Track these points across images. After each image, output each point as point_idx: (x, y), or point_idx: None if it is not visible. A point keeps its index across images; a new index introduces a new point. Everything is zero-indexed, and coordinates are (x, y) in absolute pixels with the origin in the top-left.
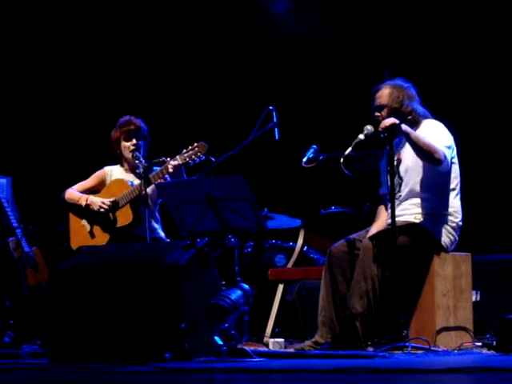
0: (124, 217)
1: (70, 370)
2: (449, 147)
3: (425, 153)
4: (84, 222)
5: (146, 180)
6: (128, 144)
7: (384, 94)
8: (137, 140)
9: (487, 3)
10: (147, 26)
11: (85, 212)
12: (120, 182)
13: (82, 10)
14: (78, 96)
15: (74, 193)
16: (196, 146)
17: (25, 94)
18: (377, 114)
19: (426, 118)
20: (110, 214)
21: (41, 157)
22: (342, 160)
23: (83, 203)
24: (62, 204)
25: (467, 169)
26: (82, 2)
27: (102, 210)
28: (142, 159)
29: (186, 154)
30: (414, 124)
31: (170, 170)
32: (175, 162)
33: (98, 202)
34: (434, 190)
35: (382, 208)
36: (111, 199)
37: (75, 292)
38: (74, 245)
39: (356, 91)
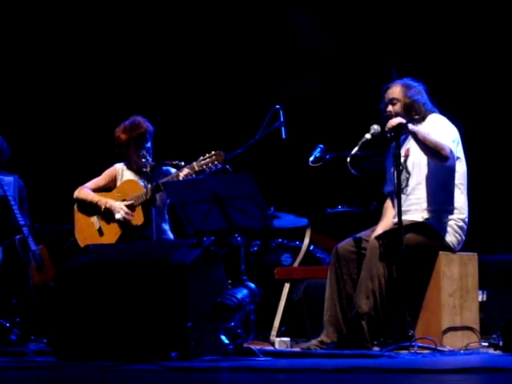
0: (135, 218)
1: (75, 367)
2: (453, 141)
3: (432, 150)
4: (93, 219)
5: (152, 178)
6: (139, 150)
7: (396, 90)
8: (146, 144)
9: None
10: (156, 26)
11: (98, 211)
12: (133, 182)
13: (96, 10)
14: (85, 94)
15: (89, 193)
16: (213, 155)
17: (32, 92)
18: (389, 108)
19: (433, 113)
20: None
21: (47, 155)
22: (348, 159)
23: (102, 207)
24: (73, 201)
25: (475, 169)
26: (94, 2)
27: (121, 219)
28: (149, 158)
29: (202, 162)
30: (422, 119)
31: (181, 178)
32: (190, 171)
33: (118, 209)
34: (440, 184)
35: (388, 206)
36: (131, 213)
37: (81, 290)
38: (81, 241)
39: (363, 90)
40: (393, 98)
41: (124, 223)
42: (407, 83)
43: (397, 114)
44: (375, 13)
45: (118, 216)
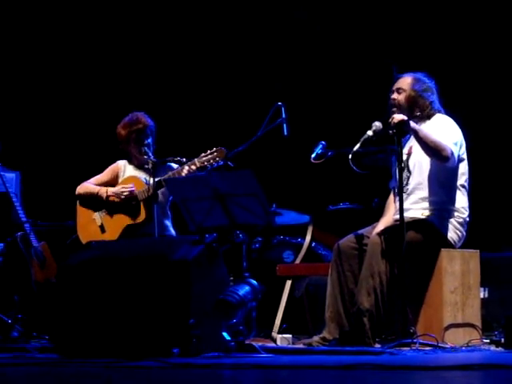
0: (137, 214)
1: (77, 364)
2: (456, 143)
3: (432, 150)
4: (95, 215)
5: (153, 174)
6: (139, 147)
7: (406, 81)
8: (146, 139)
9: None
10: (158, 23)
11: (100, 205)
12: (134, 179)
13: (98, 8)
14: (88, 90)
15: (91, 186)
16: (215, 151)
17: (33, 88)
18: (393, 96)
19: (440, 113)
20: (124, 211)
21: (49, 151)
22: (350, 156)
23: (104, 195)
24: (75, 197)
25: (477, 166)
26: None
27: (123, 194)
28: (150, 154)
29: (204, 158)
30: (427, 117)
31: (183, 174)
32: (192, 167)
33: (118, 188)
34: (441, 184)
35: (390, 202)
36: (130, 187)
37: (84, 286)
38: (83, 237)
39: (364, 87)
40: (400, 88)
41: (124, 220)
42: (418, 77)
43: (399, 104)
44: (377, 11)
45: (122, 194)
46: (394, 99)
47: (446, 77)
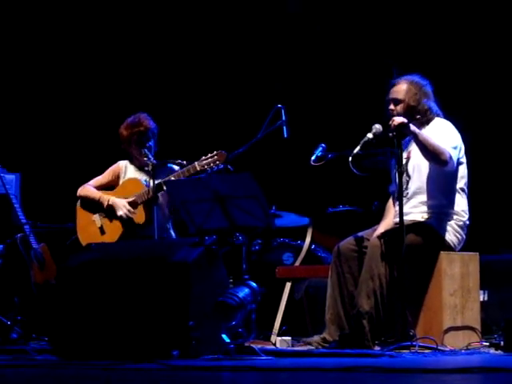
0: (137, 217)
1: (76, 366)
2: (455, 147)
3: (431, 154)
4: (95, 217)
5: (153, 176)
6: (140, 148)
7: (401, 89)
8: (148, 142)
9: (497, 3)
10: (159, 25)
11: (100, 208)
12: (135, 181)
13: (100, 8)
14: (90, 91)
15: (92, 190)
16: (215, 155)
17: (33, 90)
18: (391, 107)
19: (438, 116)
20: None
21: (49, 152)
22: (350, 158)
23: (105, 203)
24: (75, 199)
25: (477, 169)
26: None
27: (124, 216)
28: (150, 156)
29: (204, 162)
30: (426, 122)
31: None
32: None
33: (121, 206)
34: (440, 188)
35: (390, 205)
36: (133, 210)
37: (83, 288)
38: (83, 239)
39: (364, 89)
40: (396, 99)
41: (126, 221)
42: (414, 82)
43: (398, 115)
44: (376, 12)
45: (120, 213)
46: (393, 110)
47: (445, 78)
